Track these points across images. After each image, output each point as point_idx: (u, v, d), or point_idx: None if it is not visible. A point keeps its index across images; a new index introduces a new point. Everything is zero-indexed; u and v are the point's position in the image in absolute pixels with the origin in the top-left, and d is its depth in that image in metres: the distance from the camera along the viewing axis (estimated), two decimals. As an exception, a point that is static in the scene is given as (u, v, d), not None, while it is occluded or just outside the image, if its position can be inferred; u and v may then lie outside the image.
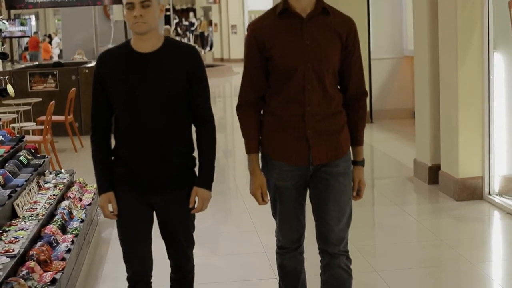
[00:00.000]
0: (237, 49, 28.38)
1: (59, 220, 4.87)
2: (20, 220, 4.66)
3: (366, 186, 3.21)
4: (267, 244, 5.03)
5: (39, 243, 4.29)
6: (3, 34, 10.08)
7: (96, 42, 15.05)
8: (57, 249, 4.40)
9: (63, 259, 4.26)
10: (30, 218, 4.70)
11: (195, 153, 3.16)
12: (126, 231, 3.17)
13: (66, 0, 12.35)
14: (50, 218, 4.93)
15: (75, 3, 12.33)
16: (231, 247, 5.29)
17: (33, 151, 6.22)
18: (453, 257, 4.82)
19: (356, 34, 3.08)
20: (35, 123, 9.33)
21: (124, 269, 3.24)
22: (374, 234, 5.59)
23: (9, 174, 5.18)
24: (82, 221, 5.09)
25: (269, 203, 3.20)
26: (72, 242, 4.56)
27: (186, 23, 35.14)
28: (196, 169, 3.18)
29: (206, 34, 32.54)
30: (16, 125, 8.81)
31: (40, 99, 9.79)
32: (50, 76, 10.64)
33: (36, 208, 4.96)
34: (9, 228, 4.47)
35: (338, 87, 3.12)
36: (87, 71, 10.83)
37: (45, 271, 3.95)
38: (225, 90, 19.79)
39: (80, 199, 5.77)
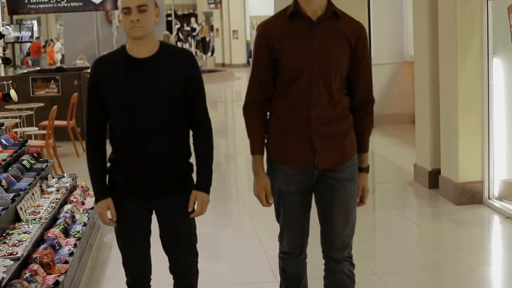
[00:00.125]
0: (238, 54, 28.43)
1: (62, 224, 4.91)
2: (23, 223, 4.69)
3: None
4: (268, 248, 5.06)
5: (42, 246, 4.33)
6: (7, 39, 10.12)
7: (98, 47, 15.12)
8: (60, 252, 4.44)
9: (66, 262, 4.29)
10: (33, 221, 4.73)
11: (193, 157, 3.15)
12: (125, 237, 3.16)
13: (68, 6, 12.40)
14: (53, 221, 4.98)
15: (77, 8, 12.39)
16: (232, 251, 5.32)
17: (36, 155, 6.26)
18: (453, 260, 4.85)
19: (366, 40, 3.06)
20: (37, 128, 9.36)
21: (126, 273, 3.26)
22: (374, 238, 5.61)
23: (12, 178, 5.22)
24: (85, 224, 5.13)
25: (272, 207, 3.18)
26: (75, 245, 4.60)
27: (188, 28, 35.25)
28: (194, 174, 3.16)
29: (207, 39, 32.63)
30: (18, 129, 8.85)
31: (42, 104, 9.83)
32: (52, 81, 10.67)
33: (39, 211, 5.00)
34: (13, 231, 4.51)
35: (346, 92, 3.10)
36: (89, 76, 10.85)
37: (48, 274, 3.99)
38: (226, 95, 19.81)
39: (83, 203, 5.81)
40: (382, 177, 7.67)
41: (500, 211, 5.84)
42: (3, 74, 11.17)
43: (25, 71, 13.96)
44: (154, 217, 3.21)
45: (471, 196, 6.09)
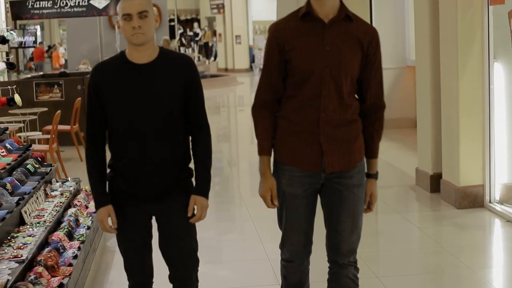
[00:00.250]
0: (241, 59, 28.45)
1: (66, 227, 4.95)
2: (28, 226, 4.73)
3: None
4: (271, 252, 5.08)
5: (46, 249, 4.36)
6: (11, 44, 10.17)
7: (101, 52, 15.15)
8: (64, 255, 4.48)
9: (70, 264, 4.33)
10: (38, 224, 4.77)
11: (192, 162, 3.15)
12: (126, 242, 3.17)
13: (71, 11, 12.43)
14: (57, 225, 5.01)
15: (80, 13, 12.42)
16: (235, 254, 5.35)
17: (40, 159, 6.30)
18: (454, 263, 4.88)
19: (378, 44, 3.02)
20: (41, 133, 9.41)
21: (129, 276, 3.27)
22: (376, 241, 5.63)
23: (17, 182, 5.26)
24: (89, 228, 5.17)
25: (275, 211, 3.15)
26: (79, 248, 4.64)
27: (191, 33, 35.33)
28: (193, 178, 3.16)
29: (210, 44, 32.66)
30: (22, 134, 8.89)
31: (46, 109, 9.87)
32: (55, 86, 10.72)
33: (44, 215, 5.04)
34: (17, 234, 4.55)
35: (356, 96, 3.07)
36: (92, 81, 10.89)
37: (52, 276, 4.03)
38: (229, 100, 19.83)
39: (86, 207, 5.85)
40: (384, 181, 7.68)
41: (501, 215, 5.86)
42: (7, 79, 11.23)
43: (29, 75, 14.02)
44: (154, 222, 3.21)
45: (473, 200, 6.12)
